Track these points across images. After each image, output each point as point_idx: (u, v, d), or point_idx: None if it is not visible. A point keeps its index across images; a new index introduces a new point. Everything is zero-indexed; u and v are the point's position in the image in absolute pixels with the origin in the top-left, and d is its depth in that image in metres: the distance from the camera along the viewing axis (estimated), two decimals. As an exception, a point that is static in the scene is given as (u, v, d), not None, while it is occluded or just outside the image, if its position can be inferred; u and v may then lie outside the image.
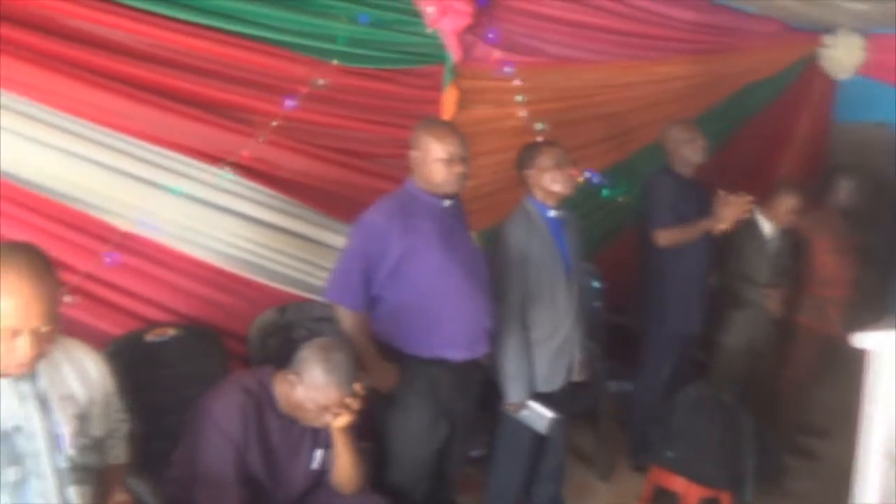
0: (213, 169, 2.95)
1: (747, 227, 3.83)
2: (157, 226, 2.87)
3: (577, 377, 3.18)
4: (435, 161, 2.68)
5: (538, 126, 3.84)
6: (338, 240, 3.21)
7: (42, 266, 1.74)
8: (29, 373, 1.80)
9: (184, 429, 2.44)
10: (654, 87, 4.35)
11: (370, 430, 2.79)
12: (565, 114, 3.99)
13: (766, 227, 3.94)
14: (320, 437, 2.51)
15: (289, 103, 3.08)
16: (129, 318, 2.81)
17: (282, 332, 3.09)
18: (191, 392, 2.64)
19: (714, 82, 4.61)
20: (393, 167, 3.35)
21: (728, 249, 3.88)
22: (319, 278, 3.20)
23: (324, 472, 2.56)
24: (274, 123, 3.05)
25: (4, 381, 1.77)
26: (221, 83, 2.94)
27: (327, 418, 2.40)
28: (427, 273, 2.68)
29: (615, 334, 4.10)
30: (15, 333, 1.70)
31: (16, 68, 2.52)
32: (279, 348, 3.02)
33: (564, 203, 3.10)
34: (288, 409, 2.45)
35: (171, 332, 2.83)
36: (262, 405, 2.42)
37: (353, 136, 3.31)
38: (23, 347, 1.71)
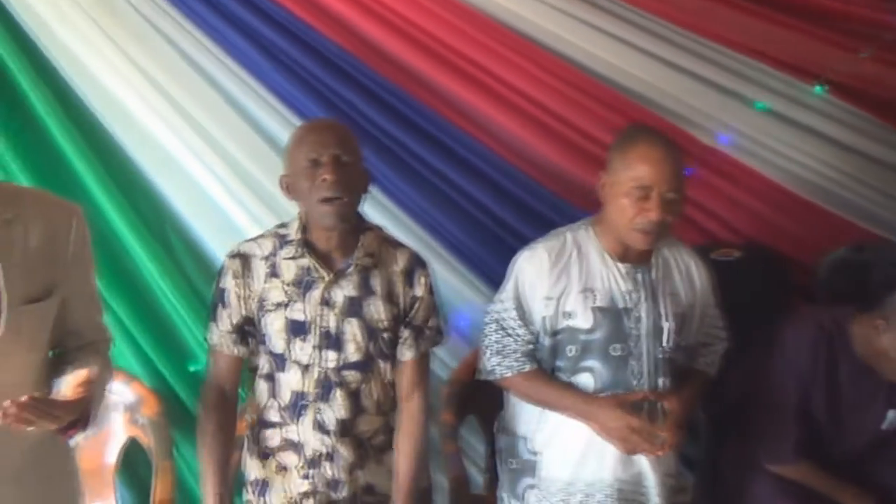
0: (804, 85, 2.74)
1: None
2: (733, 141, 2.77)
3: None
4: None
5: None
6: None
7: (670, 140, 1.91)
8: (644, 264, 1.95)
9: (747, 352, 2.35)
10: None
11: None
12: None
13: None
14: (897, 395, 2.22)
15: (905, 12, 2.69)
16: (696, 232, 2.78)
17: (854, 272, 2.77)
18: (746, 318, 2.54)
19: None
20: None
21: None
22: (911, 218, 2.81)
23: (893, 435, 2.26)
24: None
25: (623, 267, 1.93)
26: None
27: (918, 376, 2.10)
28: None
29: None
30: (645, 196, 1.82)
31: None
32: (848, 288, 2.73)
33: None
34: (866, 357, 2.20)
35: (736, 253, 2.72)
36: (836, 346, 2.22)
37: None
38: (652, 208, 1.83)
